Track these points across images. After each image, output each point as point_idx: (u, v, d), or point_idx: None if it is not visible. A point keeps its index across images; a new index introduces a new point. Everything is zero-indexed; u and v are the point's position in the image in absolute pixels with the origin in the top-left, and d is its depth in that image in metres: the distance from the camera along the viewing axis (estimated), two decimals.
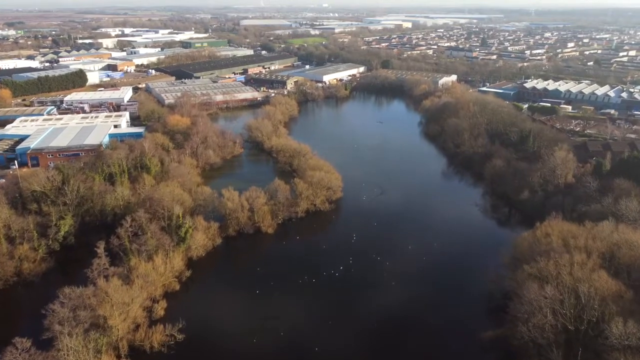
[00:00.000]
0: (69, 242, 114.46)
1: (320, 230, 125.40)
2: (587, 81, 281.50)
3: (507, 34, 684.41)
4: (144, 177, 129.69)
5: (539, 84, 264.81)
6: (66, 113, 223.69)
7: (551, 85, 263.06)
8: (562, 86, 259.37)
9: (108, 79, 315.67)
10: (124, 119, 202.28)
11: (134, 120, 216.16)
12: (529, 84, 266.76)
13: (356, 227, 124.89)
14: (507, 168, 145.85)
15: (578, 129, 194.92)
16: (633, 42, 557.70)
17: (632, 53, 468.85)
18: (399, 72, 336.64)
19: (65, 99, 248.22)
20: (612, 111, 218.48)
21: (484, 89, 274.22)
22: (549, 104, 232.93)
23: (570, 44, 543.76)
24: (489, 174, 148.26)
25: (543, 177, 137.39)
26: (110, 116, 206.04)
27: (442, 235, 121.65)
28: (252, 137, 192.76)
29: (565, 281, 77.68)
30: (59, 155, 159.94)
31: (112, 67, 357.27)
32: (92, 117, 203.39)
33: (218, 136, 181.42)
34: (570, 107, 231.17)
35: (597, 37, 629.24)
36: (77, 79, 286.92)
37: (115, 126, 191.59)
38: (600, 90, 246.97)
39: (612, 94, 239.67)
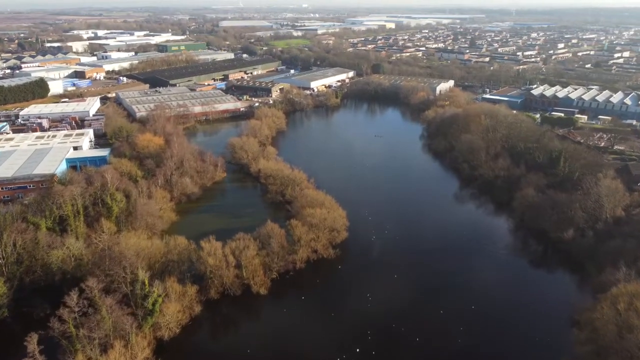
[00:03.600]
0: (1, 315, 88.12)
1: (326, 288, 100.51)
2: (596, 87, 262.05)
3: (493, 34, 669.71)
4: (103, 223, 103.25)
5: (547, 91, 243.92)
6: (21, 130, 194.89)
7: (560, 92, 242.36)
8: (573, 93, 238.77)
9: (73, 88, 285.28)
10: (86, 138, 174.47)
11: (100, 138, 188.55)
12: (536, 91, 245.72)
13: (370, 281, 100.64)
14: (542, 199, 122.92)
15: (603, 144, 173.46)
16: (623, 43, 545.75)
17: (626, 54, 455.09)
18: (392, 77, 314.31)
19: (22, 113, 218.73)
20: (634, 122, 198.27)
21: (488, 96, 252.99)
22: (562, 114, 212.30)
23: (560, 45, 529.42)
24: (520, 206, 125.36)
25: (585, 210, 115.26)
26: (70, 135, 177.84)
27: (476, 289, 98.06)
28: (236, 159, 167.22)
29: None
30: (3, 188, 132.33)
31: (79, 74, 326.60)
32: (48, 137, 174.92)
33: (196, 159, 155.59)
34: (585, 117, 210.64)
35: (584, 37, 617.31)
36: (38, 89, 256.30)
37: (75, 148, 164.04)
38: (615, 98, 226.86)
39: (628, 101, 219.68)
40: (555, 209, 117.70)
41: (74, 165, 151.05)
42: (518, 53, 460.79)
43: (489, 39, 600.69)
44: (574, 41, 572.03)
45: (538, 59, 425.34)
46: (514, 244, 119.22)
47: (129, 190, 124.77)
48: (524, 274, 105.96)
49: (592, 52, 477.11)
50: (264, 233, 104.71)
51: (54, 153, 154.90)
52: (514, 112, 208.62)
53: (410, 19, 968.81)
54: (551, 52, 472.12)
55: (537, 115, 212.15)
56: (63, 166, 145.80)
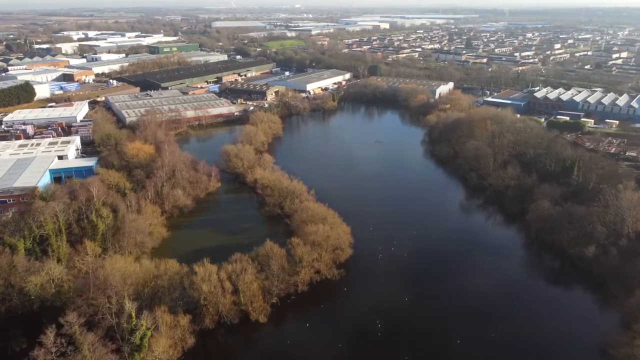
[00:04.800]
0: None
1: (331, 313, 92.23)
2: (600, 89, 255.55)
3: (488, 34, 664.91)
4: (86, 245, 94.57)
5: (551, 94, 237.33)
6: (4, 138, 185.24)
7: (564, 94, 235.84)
8: (577, 96, 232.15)
9: (61, 91, 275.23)
10: (73, 146, 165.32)
11: (87, 146, 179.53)
12: (539, 94, 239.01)
13: (379, 305, 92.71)
14: (558, 212, 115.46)
15: (613, 149, 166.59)
16: (619, 43, 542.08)
17: (624, 54, 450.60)
18: (390, 79, 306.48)
19: (5, 119, 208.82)
20: None
21: (490, 99, 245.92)
22: (568, 117, 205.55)
23: (557, 45, 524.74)
24: (535, 219, 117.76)
25: (605, 224, 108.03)
26: (56, 143, 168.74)
27: (494, 314, 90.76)
28: (230, 167, 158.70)
29: None
30: None
31: (67, 77, 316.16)
32: (32, 145, 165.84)
33: (189, 168, 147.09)
34: (592, 120, 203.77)
35: (580, 37, 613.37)
36: (23, 93, 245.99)
37: (60, 157, 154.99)
38: (622, 101, 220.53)
39: (635, 104, 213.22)
40: (572, 223, 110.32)
41: (59, 176, 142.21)
42: (515, 54, 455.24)
43: (485, 40, 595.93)
44: (570, 41, 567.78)
45: (536, 59, 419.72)
46: (530, 261, 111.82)
47: (116, 205, 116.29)
48: (543, 296, 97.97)
49: (589, 53, 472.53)
50: (263, 253, 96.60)
51: (37, 163, 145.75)
52: (518, 116, 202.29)
53: (405, 19, 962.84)
54: (548, 52, 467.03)
55: (542, 119, 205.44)
56: (46, 178, 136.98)
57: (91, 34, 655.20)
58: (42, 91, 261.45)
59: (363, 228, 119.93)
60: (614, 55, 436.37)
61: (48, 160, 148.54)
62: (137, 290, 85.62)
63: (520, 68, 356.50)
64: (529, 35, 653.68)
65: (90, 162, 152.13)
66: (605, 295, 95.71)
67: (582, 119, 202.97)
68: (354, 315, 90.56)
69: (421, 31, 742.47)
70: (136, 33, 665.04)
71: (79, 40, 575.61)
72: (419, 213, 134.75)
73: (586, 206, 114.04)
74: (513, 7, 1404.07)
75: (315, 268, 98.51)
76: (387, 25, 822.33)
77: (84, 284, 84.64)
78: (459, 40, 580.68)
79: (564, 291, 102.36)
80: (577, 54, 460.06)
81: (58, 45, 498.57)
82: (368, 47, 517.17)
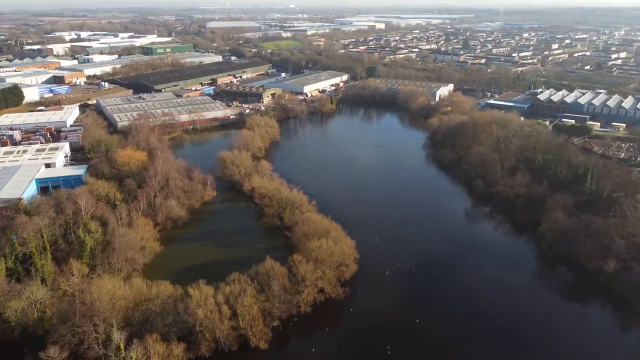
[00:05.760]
0: None
1: (337, 337, 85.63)
2: (603, 91, 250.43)
3: (485, 34, 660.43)
4: (72, 264, 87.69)
5: (554, 96, 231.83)
6: None
7: (568, 96, 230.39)
8: (582, 98, 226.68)
9: (51, 94, 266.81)
10: (61, 153, 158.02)
11: (77, 152, 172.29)
12: (542, 96, 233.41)
13: (387, 327, 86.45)
14: (574, 223, 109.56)
15: (623, 154, 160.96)
16: (617, 43, 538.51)
17: (623, 55, 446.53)
18: (389, 81, 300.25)
19: None
20: None
21: (492, 101, 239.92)
22: (573, 121, 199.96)
23: (555, 46, 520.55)
24: (549, 231, 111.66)
25: (624, 237, 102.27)
26: (43, 150, 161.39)
27: (511, 336, 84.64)
28: (226, 175, 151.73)
29: None
30: None
31: (58, 79, 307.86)
32: (18, 152, 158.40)
33: (183, 177, 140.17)
34: (598, 124, 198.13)
35: (577, 37, 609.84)
36: (11, 97, 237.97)
37: (48, 165, 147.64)
38: (627, 103, 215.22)
39: None
40: (590, 236, 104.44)
41: (46, 186, 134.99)
42: (513, 54, 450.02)
43: (482, 40, 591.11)
44: (567, 42, 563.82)
45: (535, 60, 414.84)
46: (545, 275, 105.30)
47: (106, 218, 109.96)
48: (560, 313, 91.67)
49: (588, 53, 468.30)
50: (263, 272, 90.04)
51: (22, 172, 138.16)
52: (522, 119, 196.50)
53: (400, 19, 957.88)
54: (546, 52, 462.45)
55: (547, 123, 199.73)
56: (32, 188, 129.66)
57: (84, 34, 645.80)
58: (31, 94, 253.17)
59: (367, 240, 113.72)
60: (613, 56, 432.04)
61: (34, 169, 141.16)
62: (127, 315, 78.96)
63: (520, 69, 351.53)
64: (526, 35, 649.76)
65: (79, 170, 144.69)
66: (628, 313, 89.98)
67: (588, 122, 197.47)
68: (362, 339, 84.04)
69: (417, 31, 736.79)
70: (129, 34, 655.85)
71: (71, 41, 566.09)
72: (425, 223, 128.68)
73: (602, 217, 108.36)
74: (508, 7, 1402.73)
75: (318, 287, 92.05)
76: (382, 26, 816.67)
77: (68, 309, 77.79)
78: (455, 41, 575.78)
79: (582, 308, 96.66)
80: (576, 54, 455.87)
81: (49, 46, 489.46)
82: (364, 47, 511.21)
